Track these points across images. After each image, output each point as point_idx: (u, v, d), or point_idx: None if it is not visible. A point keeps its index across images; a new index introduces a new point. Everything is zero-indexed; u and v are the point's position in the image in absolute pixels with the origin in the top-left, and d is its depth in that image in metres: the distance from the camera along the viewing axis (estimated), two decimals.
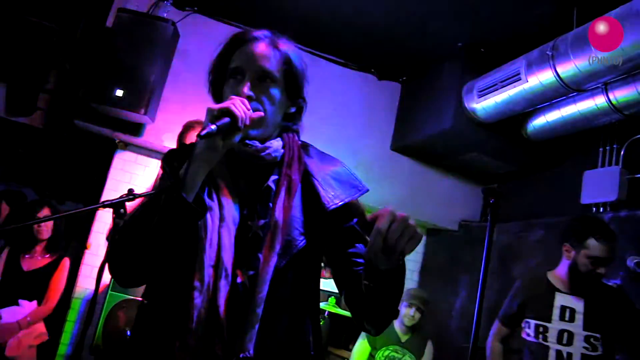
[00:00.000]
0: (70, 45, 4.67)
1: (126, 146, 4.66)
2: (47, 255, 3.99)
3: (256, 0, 4.46)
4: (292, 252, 1.32)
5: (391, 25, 4.41)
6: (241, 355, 1.21)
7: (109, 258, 1.40)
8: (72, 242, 4.35)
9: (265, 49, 1.40)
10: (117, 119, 4.26)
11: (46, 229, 3.95)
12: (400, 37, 4.58)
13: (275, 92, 1.38)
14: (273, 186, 1.37)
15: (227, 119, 1.23)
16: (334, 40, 4.87)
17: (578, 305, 2.94)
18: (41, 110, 4.76)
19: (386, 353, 4.25)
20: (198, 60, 4.60)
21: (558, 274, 3.07)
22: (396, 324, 4.36)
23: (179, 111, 4.48)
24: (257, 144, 1.36)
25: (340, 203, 1.40)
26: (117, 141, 4.58)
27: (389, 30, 4.49)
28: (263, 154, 1.37)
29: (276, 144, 1.40)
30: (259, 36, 1.44)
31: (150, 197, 1.32)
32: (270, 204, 1.34)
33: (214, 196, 1.34)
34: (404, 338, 4.31)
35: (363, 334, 4.30)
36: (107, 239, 2.55)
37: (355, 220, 1.46)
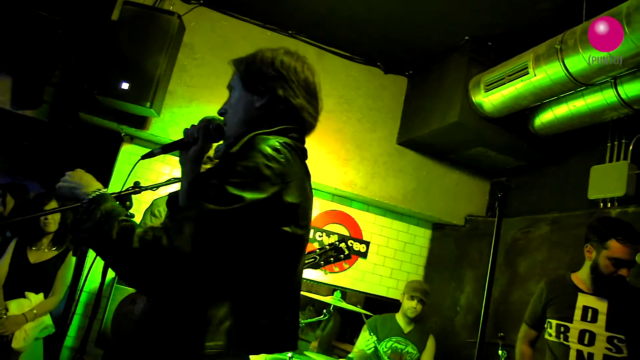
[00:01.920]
0: (76, 38, 4.66)
1: (132, 139, 4.67)
2: (54, 248, 3.99)
3: None
4: None
5: (397, 19, 4.39)
6: None
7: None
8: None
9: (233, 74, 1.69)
10: (122, 112, 4.26)
11: (53, 222, 3.96)
12: (407, 31, 4.55)
13: (234, 96, 1.65)
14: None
15: (176, 140, 1.69)
16: (339, 33, 4.85)
17: (601, 305, 2.89)
18: (47, 103, 4.76)
19: (389, 344, 4.30)
20: (204, 54, 4.60)
21: (581, 275, 3.04)
22: (399, 316, 4.44)
23: (184, 104, 4.48)
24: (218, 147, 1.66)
25: (217, 157, 1.61)
26: (122, 134, 4.58)
27: (395, 24, 4.47)
28: (215, 155, 1.65)
29: (220, 144, 1.65)
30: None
31: None
32: None
33: None
34: (406, 329, 4.38)
35: (366, 326, 4.33)
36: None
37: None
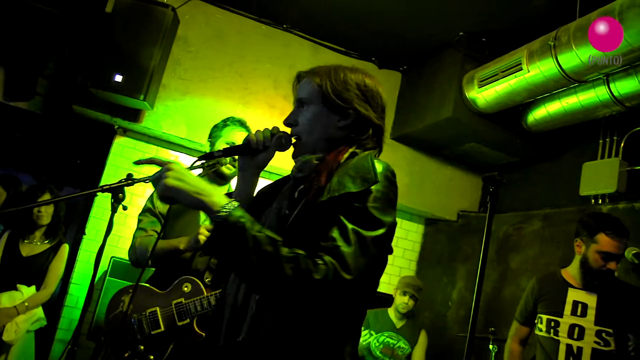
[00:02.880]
0: (69, 30, 4.63)
1: (125, 132, 4.65)
2: (47, 241, 3.99)
3: None
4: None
5: (392, 14, 4.39)
6: (238, 339, 1.39)
7: None
8: (71, 228, 4.35)
9: (302, 82, 1.66)
10: (116, 105, 4.25)
11: (46, 215, 3.95)
12: (401, 26, 4.55)
13: (309, 112, 1.60)
14: (296, 194, 1.54)
15: (240, 145, 1.64)
16: (334, 28, 4.84)
17: (591, 300, 2.92)
18: (40, 95, 4.73)
19: (381, 339, 4.33)
20: (198, 47, 4.59)
21: (571, 270, 3.07)
22: (391, 311, 4.47)
23: (178, 97, 4.47)
24: (301, 158, 1.59)
25: (333, 194, 1.39)
26: (115, 127, 4.57)
27: (389, 19, 4.47)
28: (297, 166, 1.59)
29: (310, 157, 1.57)
30: (303, 74, 1.68)
31: None
32: (287, 211, 1.51)
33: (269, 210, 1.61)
34: (399, 325, 4.42)
35: None
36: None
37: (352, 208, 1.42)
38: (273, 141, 1.63)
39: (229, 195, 1.50)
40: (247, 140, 1.62)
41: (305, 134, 1.60)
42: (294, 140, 1.62)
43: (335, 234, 1.32)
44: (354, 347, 1.45)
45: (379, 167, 1.45)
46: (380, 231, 1.36)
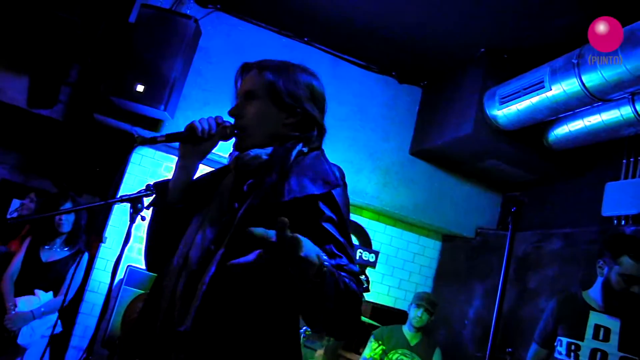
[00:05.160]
0: (93, 40, 4.70)
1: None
2: (67, 249, 4.02)
3: (280, 1, 4.45)
4: (240, 244, 1.38)
5: (413, 29, 4.38)
6: (179, 329, 1.37)
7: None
8: (90, 236, 4.38)
9: (250, 74, 1.66)
10: (136, 114, 4.28)
11: (67, 223, 3.98)
12: (422, 41, 4.54)
13: (257, 106, 1.59)
14: (245, 188, 1.53)
15: (185, 131, 1.56)
16: (355, 42, 4.85)
17: (614, 324, 2.84)
18: (62, 102, 4.79)
19: (395, 356, 4.26)
20: (219, 58, 4.61)
21: (593, 293, 2.99)
22: (405, 327, 4.40)
23: (198, 108, 4.50)
24: (250, 152, 1.55)
25: (296, 195, 1.42)
26: (135, 136, 4.60)
27: (411, 34, 4.46)
28: (246, 159, 1.55)
29: (259, 151, 1.55)
30: (250, 65, 1.69)
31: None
32: (236, 204, 1.51)
33: (210, 203, 1.59)
34: (413, 341, 4.34)
35: (372, 337, 4.30)
36: None
37: (328, 218, 1.43)
38: (218, 130, 1.59)
39: (162, 182, 1.65)
40: (191, 128, 1.56)
41: (251, 127, 1.59)
42: (238, 132, 1.60)
43: (337, 249, 1.41)
44: (296, 341, 1.50)
45: (337, 170, 1.53)
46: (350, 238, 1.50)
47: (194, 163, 1.62)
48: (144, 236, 1.66)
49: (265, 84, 1.60)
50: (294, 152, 1.54)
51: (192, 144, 1.58)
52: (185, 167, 1.61)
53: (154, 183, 1.68)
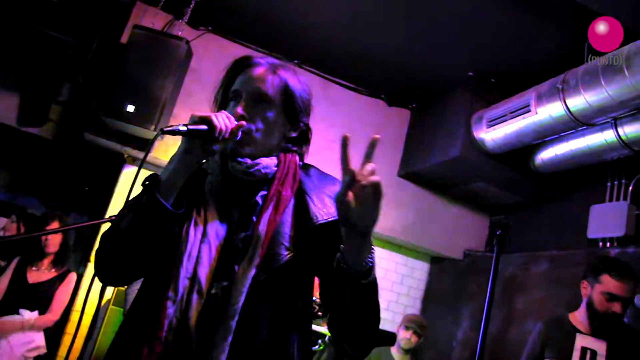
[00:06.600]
0: (84, 59, 4.71)
1: (134, 161, 4.69)
2: (54, 270, 3.99)
3: (271, 23, 4.51)
4: (273, 265, 1.33)
5: (402, 52, 4.45)
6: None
7: (97, 253, 1.40)
8: (76, 255, 4.36)
9: (263, 72, 1.45)
10: (126, 134, 4.29)
11: (53, 243, 3.96)
12: (411, 65, 4.61)
13: (270, 114, 1.42)
14: (260, 201, 1.40)
15: (204, 127, 1.29)
16: (345, 65, 4.91)
17: (600, 347, 2.85)
18: (52, 121, 4.79)
19: None
20: (210, 79, 4.61)
21: (579, 315, 3.00)
22: (393, 349, 4.38)
23: None
24: (249, 160, 1.39)
25: (330, 218, 1.37)
26: (125, 156, 4.61)
27: (399, 57, 4.53)
28: (252, 169, 1.39)
29: (268, 161, 1.42)
30: (259, 61, 1.50)
31: (134, 198, 1.35)
32: (254, 218, 1.37)
33: (202, 212, 1.38)
34: None
35: None
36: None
37: None
38: (235, 135, 1.34)
39: (152, 178, 1.34)
40: (211, 124, 1.29)
41: (262, 134, 1.41)
42: (241, 136, 1.37)
43: None
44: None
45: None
46: None
47: (196, 162, 1.37)
48: (106, 240, 1.37)
49: (281, 91, 1.45)
50: (299, 168, 1.49)
51: (205, 142, 1.31)
52: (184, 163, 1.34)
53: (150, 175, 1.37)
